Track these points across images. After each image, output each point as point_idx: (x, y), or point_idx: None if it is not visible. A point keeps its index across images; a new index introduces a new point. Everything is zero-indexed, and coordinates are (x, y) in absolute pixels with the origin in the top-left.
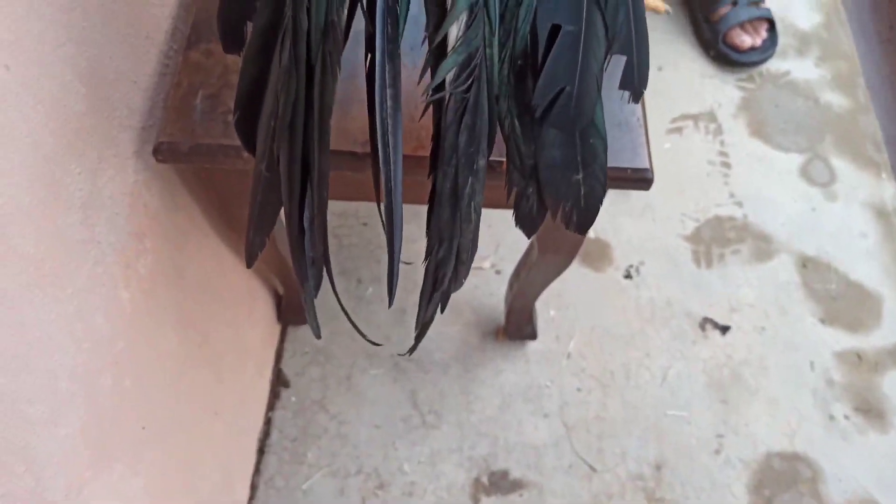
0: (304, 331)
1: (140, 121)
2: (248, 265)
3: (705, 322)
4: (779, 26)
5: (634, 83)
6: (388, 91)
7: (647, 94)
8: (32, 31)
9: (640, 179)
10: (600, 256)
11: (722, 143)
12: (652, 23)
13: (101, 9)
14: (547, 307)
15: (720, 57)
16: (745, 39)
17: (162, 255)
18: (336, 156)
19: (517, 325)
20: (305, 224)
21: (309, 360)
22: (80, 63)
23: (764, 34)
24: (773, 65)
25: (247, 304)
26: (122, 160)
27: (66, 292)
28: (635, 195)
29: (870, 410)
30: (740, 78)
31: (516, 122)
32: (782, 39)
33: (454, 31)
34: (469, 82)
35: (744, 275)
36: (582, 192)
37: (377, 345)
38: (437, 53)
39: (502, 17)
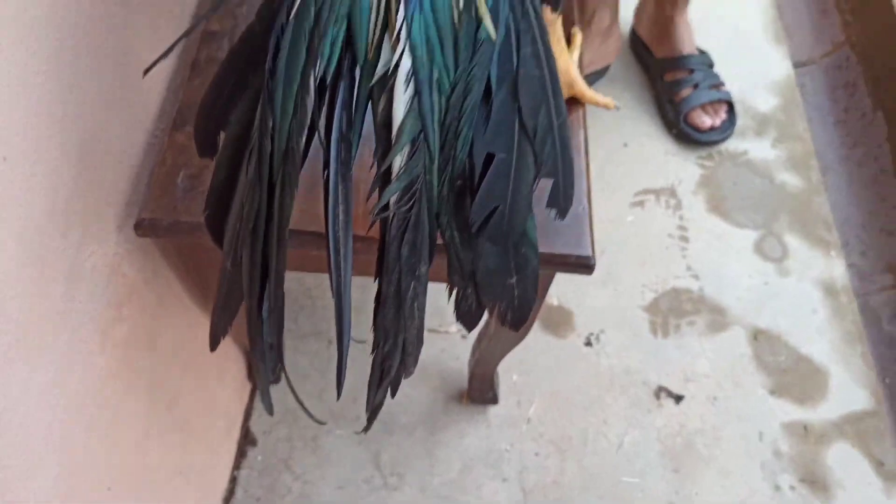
0: (274, 390)
1: (124, 197)
2: (212, 349)
3: (660, 391)
4: (738, 108)
5: (560, 203)
6: (341, 206)
7: (613, 168)
8: (29, 123)
9: (582, 265)
10: (563, 324)
11: (681, 217)
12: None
13: (98, 95)
14: (510, 372)
15: (682, 136)
16: (706, 120)
17: (138, 322)
18: (306, 236)
19: (479, 391)
20: (264, 315)
21: (277, 420)
22: (72, 149)
23: (723, 115)
24: (732, 144)
25: (218, 365)
26: (105, 234)
27: (45, 359)
28: (599, 265)
29: (815, 482)
30: (700, 156)
31: (456, 235)
32: (741, 121)
33: (398, 161)
34: (410, 203)
35: (699, 345)
36: (515, 294)
37: (321, 423)
38: (384, 178)
39: (442, 147)
